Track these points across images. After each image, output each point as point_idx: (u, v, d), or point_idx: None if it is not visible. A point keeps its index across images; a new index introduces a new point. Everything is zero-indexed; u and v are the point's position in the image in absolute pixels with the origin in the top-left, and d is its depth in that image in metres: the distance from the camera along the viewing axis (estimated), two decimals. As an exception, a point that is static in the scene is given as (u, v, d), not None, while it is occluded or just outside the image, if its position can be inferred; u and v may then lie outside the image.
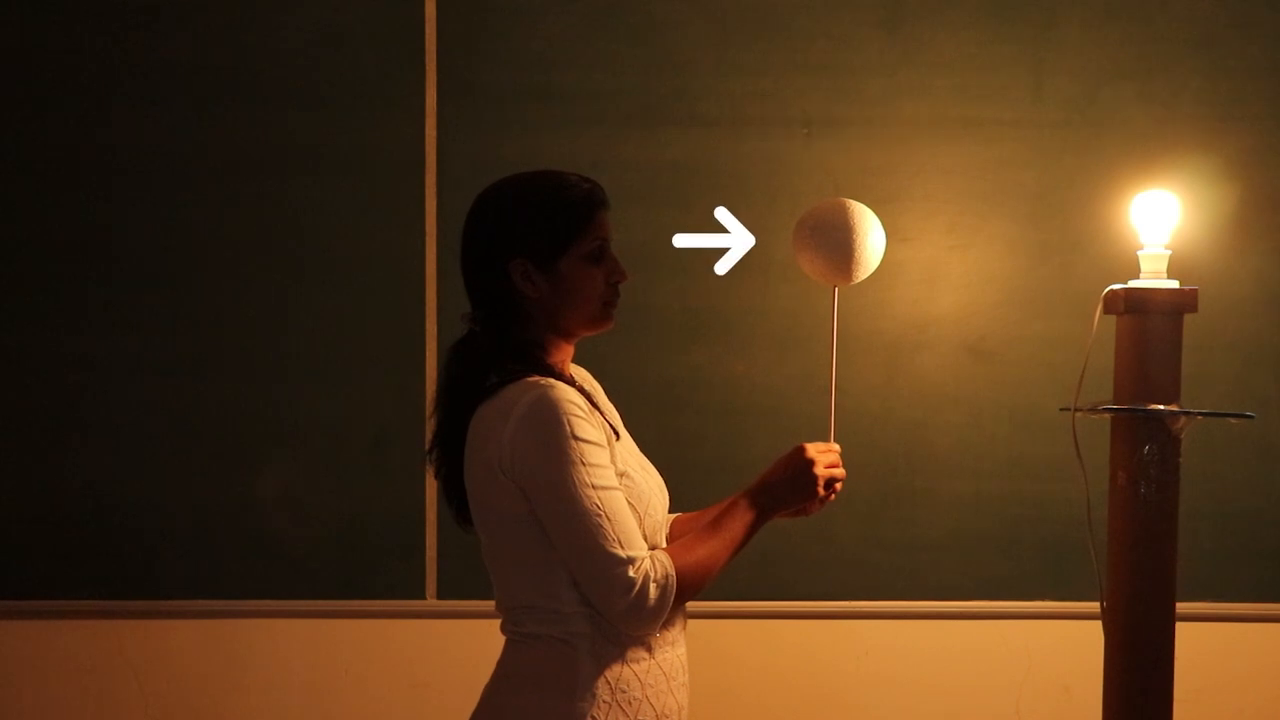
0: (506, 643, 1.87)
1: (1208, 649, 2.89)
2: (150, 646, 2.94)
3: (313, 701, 2.95)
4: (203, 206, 2.89)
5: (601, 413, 1.87)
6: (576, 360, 1.96)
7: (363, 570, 2.91)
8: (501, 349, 1.83)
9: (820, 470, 1.91)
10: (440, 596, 2.91)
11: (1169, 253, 2.19)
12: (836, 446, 1.96)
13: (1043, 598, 2.91)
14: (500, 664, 1.87)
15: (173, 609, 2.92)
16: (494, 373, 1.82)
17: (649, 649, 1.83)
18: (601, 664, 1.79)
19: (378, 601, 2.92)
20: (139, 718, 2.94)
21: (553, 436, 1.73)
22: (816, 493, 1.92)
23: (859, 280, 2.07)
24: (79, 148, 2.88)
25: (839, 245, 2.03)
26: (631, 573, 1.73)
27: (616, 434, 1.87)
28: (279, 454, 2.91)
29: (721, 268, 2.87)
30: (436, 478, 1.91)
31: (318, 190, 2.89)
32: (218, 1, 2.88)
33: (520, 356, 1.83)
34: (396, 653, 2.94)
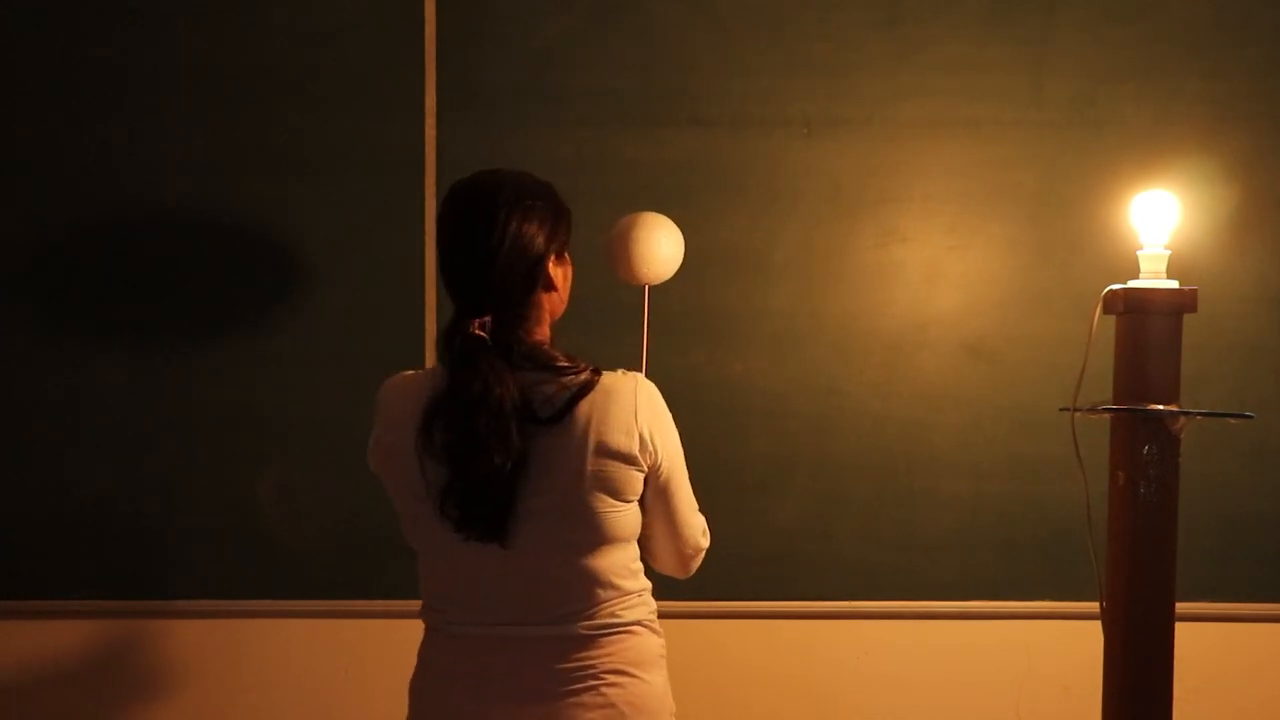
0: (591, 639, 1.85)
1: (1208, 649, 2.89)
2: (150, 646, 2.94)
3: (313, 701, 2.95)
4: (202, 206, 2.89)
5: None
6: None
7: (363, 570, 2.91)
8: (541, 346, 1.84)
9: None
10: (440, 596, 2.91)
11: (1168, 253, 2.20)
12: None
13: (1042, 598, 2.91)
14: (608, 658, 1.85)
15: (173, 609, 2.92)
16: (547, 370, 1.80)
17: None
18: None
19: (378, 601, 2.91)
20: (139, 718, 2.94)
21: (669, 416, 1.88)
22: None
23: (656, 278, 2.38)
24: (78, 147, 2.88)
25: (622, 251, 2.36)
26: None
27: None
28: (279, 454, 2.91)
29: None
30: (499, 496, 1.81)
31: (318, 190, 2.88)
32: (217, 1, 2.88)
33: (552, 353, 1.84)
34: (396, 653, 2.93)
